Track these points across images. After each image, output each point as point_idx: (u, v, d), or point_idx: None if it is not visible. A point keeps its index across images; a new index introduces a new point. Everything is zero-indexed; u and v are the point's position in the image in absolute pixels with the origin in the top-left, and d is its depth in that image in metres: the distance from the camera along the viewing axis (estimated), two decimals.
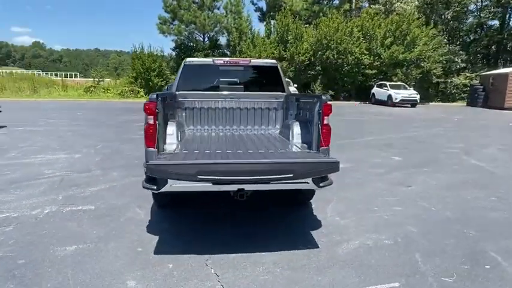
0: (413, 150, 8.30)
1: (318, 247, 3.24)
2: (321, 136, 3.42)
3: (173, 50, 28.63)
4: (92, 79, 29.05)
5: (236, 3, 27.72)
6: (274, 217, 4.04)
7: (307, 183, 3.14)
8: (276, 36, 27.63)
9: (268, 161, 2.88)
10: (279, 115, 5.27)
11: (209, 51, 27.31)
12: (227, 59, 5.29)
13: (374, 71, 26.72)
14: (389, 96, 23.13)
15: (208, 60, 5.19)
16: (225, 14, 27.77)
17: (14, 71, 36.20)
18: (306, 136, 4.08)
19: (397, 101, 22.61)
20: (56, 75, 43.04)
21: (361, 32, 26.44)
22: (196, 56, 26.55)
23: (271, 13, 31.30)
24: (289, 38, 26.70)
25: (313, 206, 4.32)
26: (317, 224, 3.79)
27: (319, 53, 26.44)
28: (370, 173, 6.10)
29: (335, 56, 26.10)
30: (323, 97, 3.45)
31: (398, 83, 25.11)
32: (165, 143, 3.80)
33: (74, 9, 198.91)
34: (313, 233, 3.57)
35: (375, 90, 25.28)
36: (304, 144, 4.02)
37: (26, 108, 17.80)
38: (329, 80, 27.66)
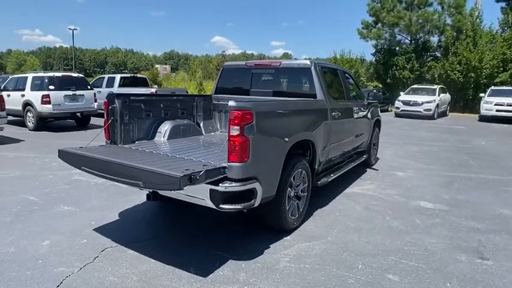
0: None
1: None
2: (227, 148, 3.03)
3: (373, 55, 27.53)
4: None
5: None
6: None
7: (203, 199, 3.00)
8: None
9: (123, 163, 2.97)
10: None
11: (413, 54, 24.46)
12: (259, 61, 5.23)
13: None
14: None
15: (241, 63, 5.33)
16: (438, 10, 23.92)
17: None
18: None
19: None
20: None
21: None
22: (396, 61, 24.46)
23: None
24: None
25: None
26: None
27: None
28: (447, 221, 4.31)
29: None
30: (229, 102, 3.01)
31: None
32: (153, 138, 4.43)
33: (318, 21, 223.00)
34: None
35: None
36: None
37: None
38: None
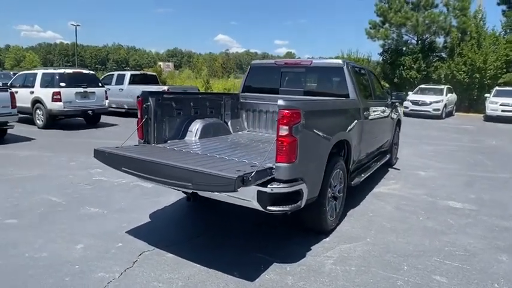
0: None
1: None
2: (275, 148, 2.93)
3: (380, 55, 27.48)
4: None
5: None
6: None
7: (249, 201, 2.90)
8: None
9: (172, 164, 2.83)
10: None
11: (420, 54, 24.41)
12: (289, 60, 5.13)
13: None
14: None
15: (271, 61, 5.23)
16: (444, 12, 23.92)
17: None
18: None
19: None
20: None
21: None
22: (403, 61, 24.41)
23: None
24: None
25: None
26: None
27: None
28: (479, 222, 4.27)
29: None
30: (279, 101, 2.88)
31: None
32: (184, 137, 4.32)
33: (321, 19, 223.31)
34: None
35: None
36: None
37: None
38: None
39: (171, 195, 4.82)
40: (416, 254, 3.43)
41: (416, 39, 25.79)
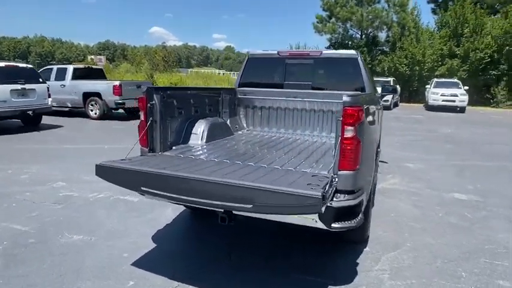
0: None
1: None
2: (338, 153, 2.47)
3: (327, 48, 28.23)
4: None
5: None
6: None
7: (312, 219, 2.40)
8: (447, 30, 23.28)
9: (220, 180, 2.21)
10: None
11: (365, 48, 25.54)
12: (295, 51, 4.63)
13: None
14: None
15: (274, 52, 4.68)
16: (385, 8, 25.31)
17: (200, 70, 43.70)
18: None
19: None
20: None
21: None
22: None
23: (449, 3, 26.50)
24: (464, 31, 22.03)
25: None
26: None
27: (507, 48, 20.70)
28: (495, 214, 4.27)
29: None
30: (344, 98, 2.44)
31: None
32: (187, 141, 3.62)
33: (260, 14, 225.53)
34: None
35: None
36: None
37: None
38: None
39: (166, 209, 4.08)
40: (463, 257, 3.23)
41: (360, 33, 26.93)
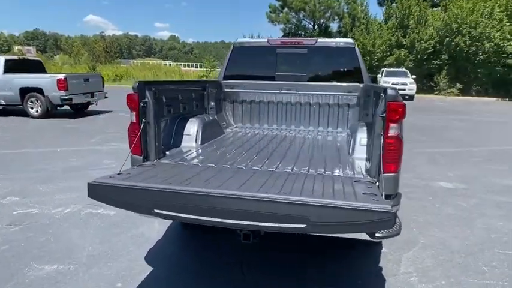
0: None
1: None
2: (381, 154, 2.21)
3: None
4: (205, 69, 30.91)
5: None
6: None
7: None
8: (394, 21, 24.43)
9: (270, 197, 1.79)
10: (352, 114, 4.08)
11: None
12: (287, 39, 4.27)
13: None
14: None
15: (263, 40, 4.27)
16: None
17: (146, 62, 41.45)
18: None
19: None
20: (188, 65, 48.76)
21: (505, 13, 21.14)
22: None
23: None
24: (410, 22, 23.28)
25: None
26: None
27: (447, 39, 22.28)
28: (486, 201, 4.39)
29: (467, 43, 21.63)
30: (389, 91, 2.19)
31: None
32: (178, 144, 3.11)
33: (204, 4, 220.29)
34: None
35: None
36: (368, 162, 2.77)
37: None
38: (458, 72, 23.12)
39: (152, 222, 3.54)
40: (477, 249, 3.19)
41: (313, 24, 27.28)
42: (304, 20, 27.28)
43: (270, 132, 4.10)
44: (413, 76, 19.42)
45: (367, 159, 2.77)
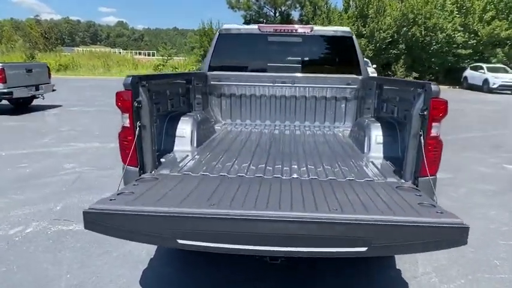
0: None
1: None
2: (423, 156, 2.02)
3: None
4: (161, 57, 29.48)
5: None
6: None
7: None
8: (354, 10, 24.80)
9: (326, 217, 1.52)
10: (350, 108, 3.81)
11: None
12: (279, 26, 3.83)
13: (468, 51, 22.68)
14: (486, 81, 19.43)
15: (253, 27, 3.81)
16: None
17: (93, 49, 38.49)
18: (393, 148, 2.59)
19: (494, 86, 18.88)
20: (139, 53, 46.14)
21: (455, 5, 22.36)
22: None
23: None
24: (369, 12, 23.72)
25: None
26: None
27: (404, 29, 23.07)
28: (474, 190, 4.44)
29: (422, 33, 22.56)
30: (432, 87, 1.98)
31: (498, 65, 21.07)
32: (171, 148, 2.62)
33: None
34: None
35: (468, 73, 21.45)
36: (388, 163, 2.58)
37: (93, 86, 18.14)
38: (414, 61, 24.14)
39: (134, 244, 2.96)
40: (482, 241, 3.16)
41: (274, 11, 26.90)
42: (265, 7, 26.84)
43: (264, 129, 3.74)
44: (374, 66, 19.86)
45: (387, 159, 2.62)
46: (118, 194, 1.72)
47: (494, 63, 21.58)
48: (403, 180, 2.17)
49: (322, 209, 1.61)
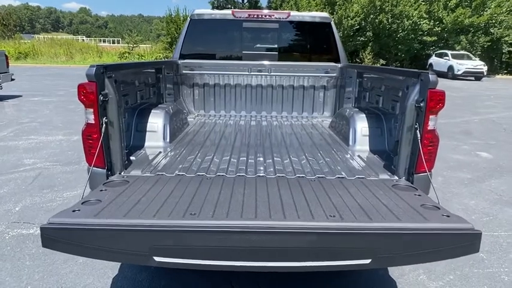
0: (504, 142, 6.33)
1: None
2: (420, 151, 1.89)
3: None
4: (127, 45, 28.33)
5: None
6: None
7: None
8: None
9: (325, 227, 1.36)
10: (329, 97, 3.69)
11: None
12: (255, 11, 3.63)
13: (433, 38, 23.49)
14: (450, 67, 20.22)
15: (227, 12, 3.58)
16: None
17: (55, 37, 36.32)
18: (379, 141, 2.48)
19: (459, 72, 19.73)
20: (104, 41, 44.15)
21: None
22: None
23: None
24: None
25: None
26: None
27: (371, 16, 23.37)
28: (451, 179, 4.46)
29: (389, 20, 22.97)
30: (430, 76, 1.82)
31: (462, 52, 22.03)
32: (142, 144, 2.39)
33: None
34: None
35: (433, 60, 22.26)
36: (376, 156, 2.45)
37: (55, 74, 17.21)
38: (381, 48, 24.61)
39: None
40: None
41: None
42: None
43: (240, 120, 3.52)
44: None
45: (374, 152, 2.49)
46: (82, 203, 1.47)
47: (458, 50, 22.45)
48: (396, 177, 2.04)
49: (318, 216, 1.44)
